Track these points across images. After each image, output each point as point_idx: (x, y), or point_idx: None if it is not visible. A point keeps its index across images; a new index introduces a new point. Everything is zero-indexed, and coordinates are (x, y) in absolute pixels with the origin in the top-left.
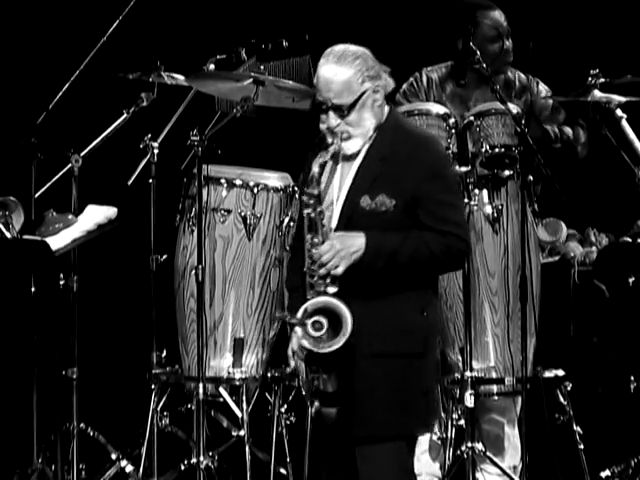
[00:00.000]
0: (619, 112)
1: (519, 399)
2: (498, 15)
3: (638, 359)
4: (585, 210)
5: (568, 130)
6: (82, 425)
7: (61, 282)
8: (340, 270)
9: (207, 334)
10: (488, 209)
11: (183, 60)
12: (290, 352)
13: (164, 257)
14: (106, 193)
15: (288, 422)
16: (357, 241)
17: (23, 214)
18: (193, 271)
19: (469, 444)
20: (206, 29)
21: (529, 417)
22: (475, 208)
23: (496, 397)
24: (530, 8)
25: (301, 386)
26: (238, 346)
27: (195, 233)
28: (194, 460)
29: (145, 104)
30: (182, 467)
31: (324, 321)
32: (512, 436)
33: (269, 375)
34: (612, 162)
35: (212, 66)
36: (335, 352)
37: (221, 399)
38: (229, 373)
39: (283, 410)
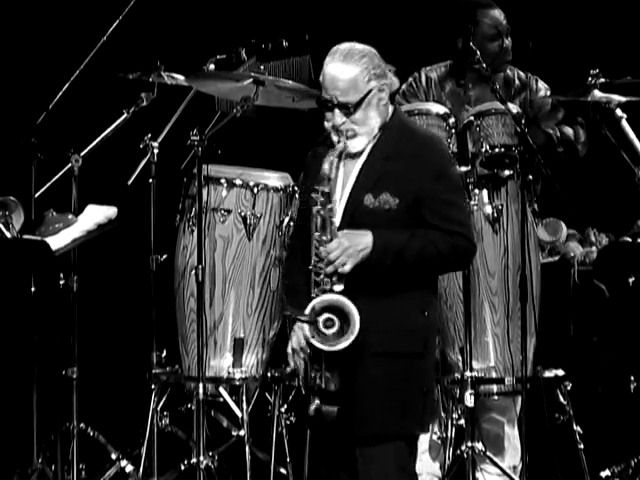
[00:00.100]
0: (619, 112)
1: (519, 399)
2: (498, 14)
3: (638, 359)
4: (585, 210)
5: (568, 130)
6: (82, 425)
7: (61, 282)
8: (347, 268)
9: (207, 334)
10: (488, 209)
11: (183, 60)
12: (289, 350)
13: (164, 257)
14: (106, 193)
15: (288, 422)
16: (364, 239)
17: (23, 214)
18: (193, 271)
19: (469, 444)
20: (206, 29)
21: (529, 417)
22: (475, 208)
23: (496, 397)
24: (530, 7)
25: (301, 384)
26: (238, 346)
27: (195, 233)
28: (194, 460)
29: (145, 104)
30: (182, 467)
31: (336, 319)
32: (512, 436)
33: (269, 375)
34: (612, 162)
35: (212, 66)
36: (339, 350)
37: (221, 399)
38: (229, 373)
39: (283, 410)
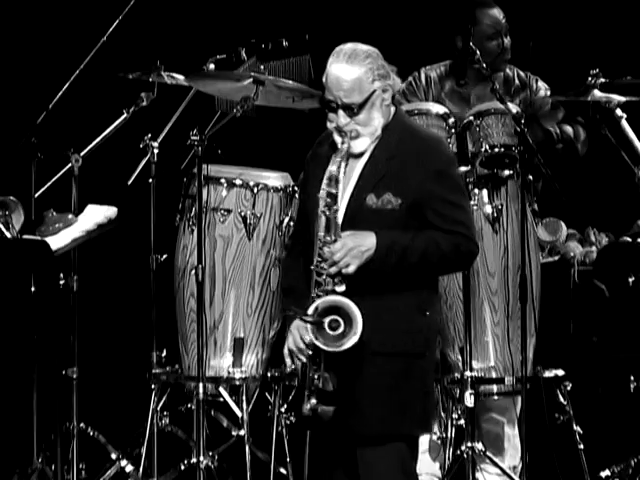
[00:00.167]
0: (619, 112)
1: (519, 399)
2: (497, 12)
3: (638, 359)
4: (585, 210)
5: (568, 129)
6: (82, 425)
7: (61, 282)
8: (351, 269)
9: (207, 334)
10: (488, 209)
11: (183, 60)
12: (286, 351)
13: (164, 257)
14: (106, 193)
15: (288, 422)
16: (368, 240)
17: (23, 214)
18: (193, 271)
19: (469, 444)
20: (206, 29)
21: (529, 417)
22: (475, 208)
23: (496, 397)
24: (530, 7)
25: (300, 382)
26: (238, 346)
27: (195, 233)
28: (194, 460)
29: (145, 104)
30: (182, 467)
31: (341, 320)
32: (512, 436)
33: (269, 375)
34: (612, 162)
35: (212, 66)
36: (342, 351)
37: (221, 399)
38: (229, 373)
39: (283, 410)
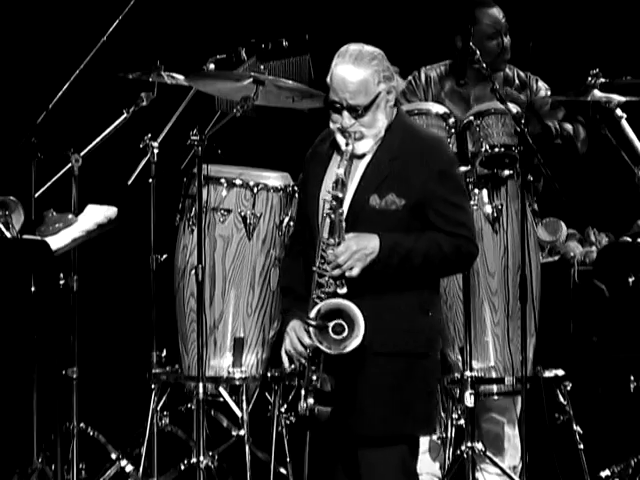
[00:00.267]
0: (619, 112)
1: (519, 399)
2: (497, 12)
3: (638, 359)
4: (585, 210)
5: (568, 126)
6: (82, 425)
7: (61, 282)
8: (355, 272)
9: (207, 334)
10: (488, 209)
11: (183, 60)
12: (283, 352)
13: (164, 257)
14: (106, 193)
15: (288, 422)
16: (372, 242)
17: (23, 214)
18: (193, 271)
19: (469, 444)
20: (206, 29)
21: (529, 417)
22: (475, 208)
23: (496, 397)
24: (530, 7)
25: (298, 381)
26: (238, 346)
27: (195, 233)
28: (194, 460)
29: (145, 104)
30: (182, 467)
31: (345, 324)
32: (512, 436)
33: (269, 375)
34: (612, 162)
35: (212, 66)
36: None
37: (221, 399)
38: (229, 373)
39: (283, 410)
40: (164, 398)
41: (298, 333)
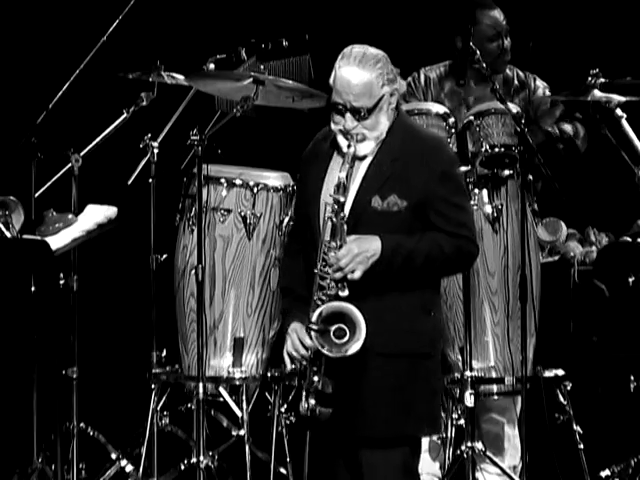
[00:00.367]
0: (619, 111)
1: (519, 399)
2: (497, 14)
3: (638, 359)
4: (585, 210)
5: (567, 127)
6: (82, 425)
7: (61, 282)
8: (357, 275)
9: (207, 333)
10: (488, 209)
11: (183, 60)
12: (285, 354)
13: (164, 257)
14: (106, 193)
15: (288, 422)
16: (373, 245)
17: (23, 214)
18: (193, 270)
19: (469, 444)
20: (206, 29)
21: (529, 417)
22: (475, 208)
23: (496, 397)
24: (530, 7)
25: (299, 381)
26: (238, 345)
27: (195, 233)
28: (194, 460)
29: (145, 104)
30: (182, 467)
31: (346, 328)
32: (512, 436)
33: (269, 375)
34: (612, 162)
35: (212, 66)
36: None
37: (221, 399)
38: (229, 373)
39: (283, 410)
40: (164, 398)
41: (300, 334)
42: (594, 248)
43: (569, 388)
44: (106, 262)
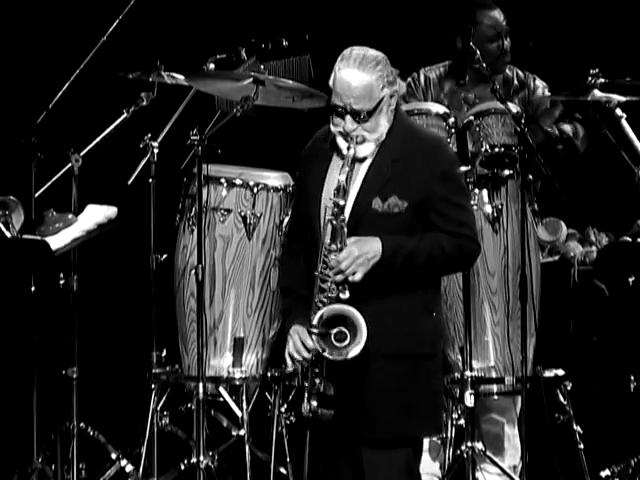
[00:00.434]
0: (619, 111)
1: (519, 399)
2: (497, 14)
3: (638, 359)
4: (585, 210)
5: (567, 128)
6: (82, 425)
7: (61, 282)
8: (358, 277)
9: (207, 333)
10: (488, 209)
11: (183, 60)
12: (287, 355)
13: (164, 257)
14: (106, 193)
15: (288, 422)
16: (374, 246)
17: (23, 214)
18: (193, 270)
19: (469, 444)
20: (206, 29)
21: (529, 417)
22: (475, 208)
23: (496, 397)
24: (530, 7)
25: (301, 382)
26: (238, 345)
27: (195, 233)
28: (194, 460)
29: (145, 104)
30: (182, 467)
31: (347, 332)
32: (512, 436)
33: (269, 375)
34: (612, 162)
35: (212, 66)
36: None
37: (221, 399)
38: (229, 373)
39: (283, 410)
40: (164, 398)
41: (301, 336)
42: (594, 248)
43: (569, 388)
44: (106, 262)
